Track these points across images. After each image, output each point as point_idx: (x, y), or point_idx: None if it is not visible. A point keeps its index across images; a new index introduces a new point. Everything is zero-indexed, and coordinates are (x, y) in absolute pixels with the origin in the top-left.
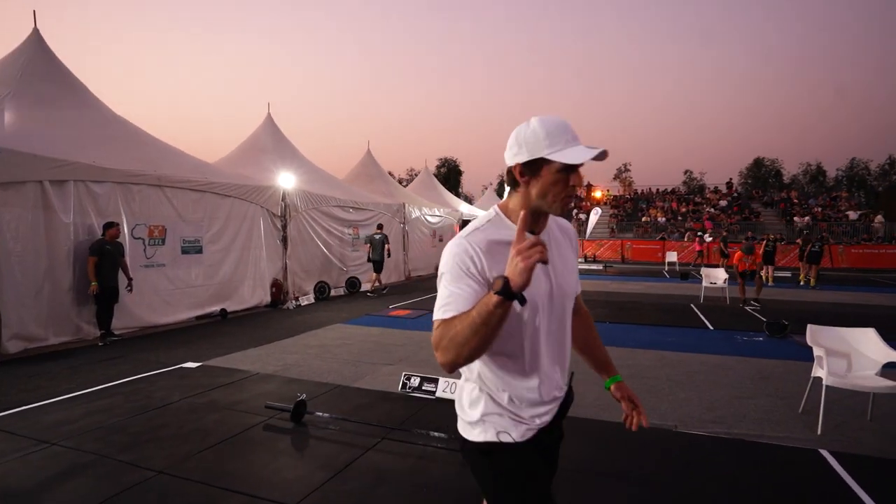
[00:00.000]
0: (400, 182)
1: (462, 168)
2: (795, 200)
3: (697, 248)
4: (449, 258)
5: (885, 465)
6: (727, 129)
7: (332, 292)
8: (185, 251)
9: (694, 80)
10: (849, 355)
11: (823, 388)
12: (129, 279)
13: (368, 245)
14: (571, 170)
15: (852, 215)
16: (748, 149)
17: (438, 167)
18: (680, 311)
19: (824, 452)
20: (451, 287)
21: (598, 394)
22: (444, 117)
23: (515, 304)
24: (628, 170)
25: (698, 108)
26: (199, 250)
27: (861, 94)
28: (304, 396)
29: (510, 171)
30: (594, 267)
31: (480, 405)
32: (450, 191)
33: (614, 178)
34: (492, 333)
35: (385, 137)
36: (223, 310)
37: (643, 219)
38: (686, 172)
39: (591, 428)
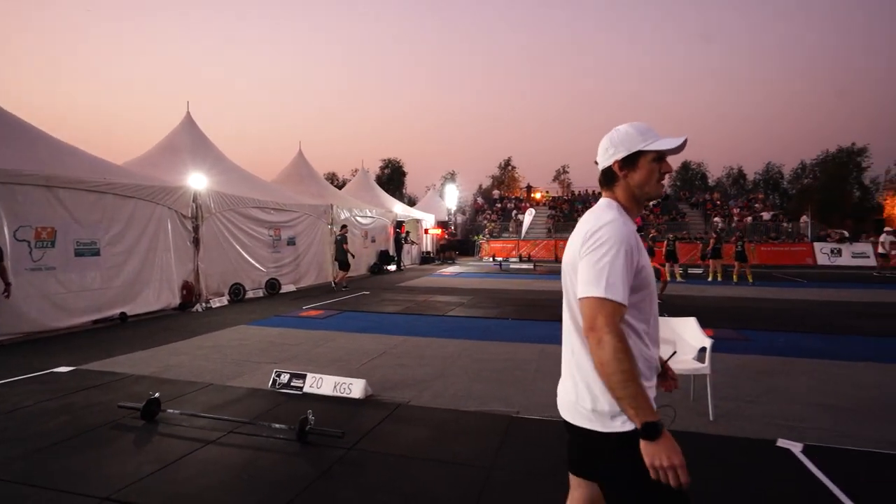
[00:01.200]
0: (344, 183)
1: (406, 169)
2: (718, 202)
3: None
4: (617, 234)
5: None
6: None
7: (251, 294)
8: (79, 253)
9: (626, 82)
10: (674, 342)
11: None
12: (7, 284)
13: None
14: (662, 159)
15: (766, 216)
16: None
17: (382, 168)
18: None
19: None
20: (621, 264)
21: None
22: (389, 118)
23: (649, 274)
24: (567, 172)
25: (632, 112)
26: (97, 252)
27: (779, 98)
28: (157, 395)
29: (606, 171)
30: (525, 266)
31: None
32: (394, 191)
33: (553, 180)
34: (622, 395)
35: (330, 139)
36: (123, 313)
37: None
38: None
39: (428, 414)
